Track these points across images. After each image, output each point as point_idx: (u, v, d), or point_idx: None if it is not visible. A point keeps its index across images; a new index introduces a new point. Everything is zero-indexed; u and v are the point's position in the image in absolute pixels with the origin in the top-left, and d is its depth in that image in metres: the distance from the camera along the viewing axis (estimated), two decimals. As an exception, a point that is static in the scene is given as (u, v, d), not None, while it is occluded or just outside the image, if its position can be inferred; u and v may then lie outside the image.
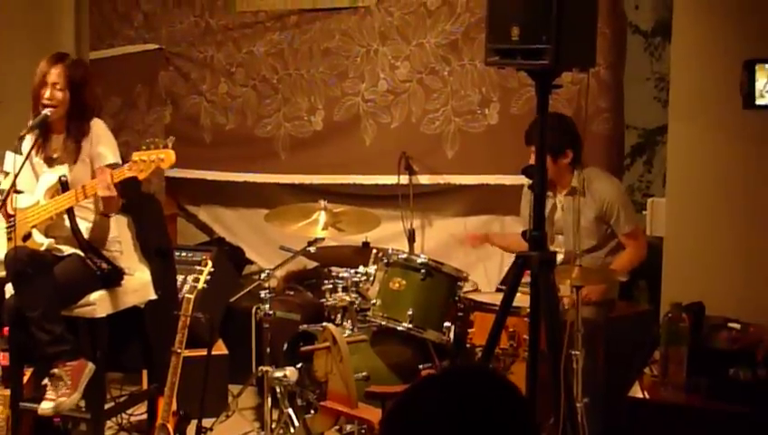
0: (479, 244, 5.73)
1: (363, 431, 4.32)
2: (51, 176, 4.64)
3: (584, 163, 5.09)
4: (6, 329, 4.70)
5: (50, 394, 4.48)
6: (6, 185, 4.56)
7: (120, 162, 4.62)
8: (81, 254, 4.60)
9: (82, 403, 4.71)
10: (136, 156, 4.39)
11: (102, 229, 4.71)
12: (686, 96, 4.71)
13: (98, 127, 4.71)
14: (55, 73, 4.62)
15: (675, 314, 3.74)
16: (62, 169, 4.63)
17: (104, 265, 4.63)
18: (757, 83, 2.30)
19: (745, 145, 4.52)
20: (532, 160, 3.97)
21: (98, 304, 4.63)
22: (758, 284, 4.52)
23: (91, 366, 4.55)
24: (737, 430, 3.56)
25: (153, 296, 4.97)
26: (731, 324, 3.90)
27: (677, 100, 4.76)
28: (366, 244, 5.62)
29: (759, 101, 2.29)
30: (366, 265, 5.29)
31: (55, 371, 4.48)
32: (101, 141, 4.69)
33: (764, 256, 4.52)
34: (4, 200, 4.51)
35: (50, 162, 4.71)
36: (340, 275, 5.27)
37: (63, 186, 4.57)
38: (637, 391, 3.76)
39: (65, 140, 4.68)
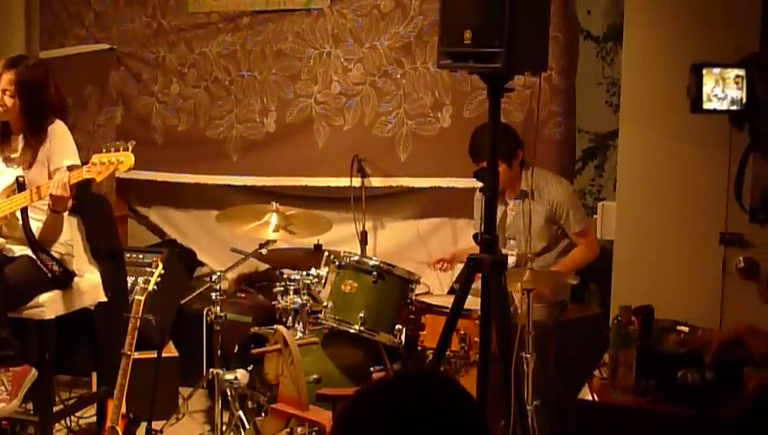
0: (448, 266, 5.72)
1: (314, 434, 4.31)
2: (7, 176, 4.60)
3: (531, 164, 5.13)
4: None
5: (-7, 397, 4.43)
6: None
7: (80, 164, 4.61)
8: (32, 255, 4.57)
9: (30, 406, 4.67)
10: (95, 158, 4.38)
11: (54, 230, 4.67)
12: (637, 101, 4.74)
13: (58, 129, 4.69)
14: (6, 80, 4.60)
15: (624, 318, 3.76)
16: (19, 170, 4.60)
17: (55, 267, 4.60)
18: (704, 87, 2.32)
19: (695, 149, 4.56)
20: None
21: (47, 305, 4.59)
22: (707, 287, 4.56)
23: (33, 372, 4.50)
24: (685, 433, 3.60)
25: (103, 298, 4.94)
26: (680, 328, 3.92)
27: (628, 104, 4.80)
28: (318, 246, 5.61)
29: (706, 106, 2.31)
30: (318, 267, 5.28)
31: (-3, 374, 4.44)
32: (60, 144, 4.66)
33: (713, 259, 4.56)
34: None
35: (8, 162, 4.68)
36: (292, 277, 5.26)
37: (20, 186, 4.54)
38: (586, 394, 3.78)
39: (24, 141, 4.65)
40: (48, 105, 4.69)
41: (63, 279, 4.66)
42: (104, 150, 4.40)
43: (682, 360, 3.64)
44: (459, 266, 5.62)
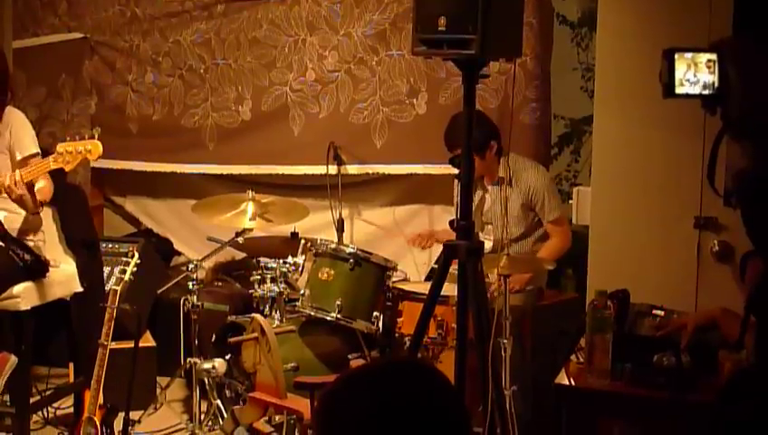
0: (427, 243, 5.73)
1: (292, 422, 4.32)
2: None
3: (508, 151, 5.14)
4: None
5: (-28, 387, 4.42)
6: None
7: (40, 152, 4.59)
8: (3, 245, 4.54)
9: (7, 397, 4.65)
10: (61, 147, 4.35)
11: (23, 218, 4.64)
12: (612, 86, 4.75)
13: (16, 117, 4.66)
14: None
15: (600, 302, 3.77)
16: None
17: (27, 256, 4.57)
18: (677, 72, 2.32)
19: (669, 134, 4.57)
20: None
21: (22, 296, 4.57)
22: (682, 271, 4.58)
23: (13, 359, 4.49)
24: (660, 416, 3.61)
25: (79, 289, 4.92)
26: (655, 311, 3.94)
27: (603, 90, 4.80)
28: (295, 234, 5.61)
29: (679, 90, 2.31)
30: (295, 255, 5.29)
31: (-24, 363, 4.43)
32: (20, 132, 4.64)
33: (688, 243, 4.58)
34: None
35: None
36: (269, 265, 5.27)
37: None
38: (563, 378, 3.79)
39: None
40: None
41: (37, 268, 4.63)
42: (68, 139, 4.38)
43: (657, 343, 3.66)
44: (437, 252, 5.64)
